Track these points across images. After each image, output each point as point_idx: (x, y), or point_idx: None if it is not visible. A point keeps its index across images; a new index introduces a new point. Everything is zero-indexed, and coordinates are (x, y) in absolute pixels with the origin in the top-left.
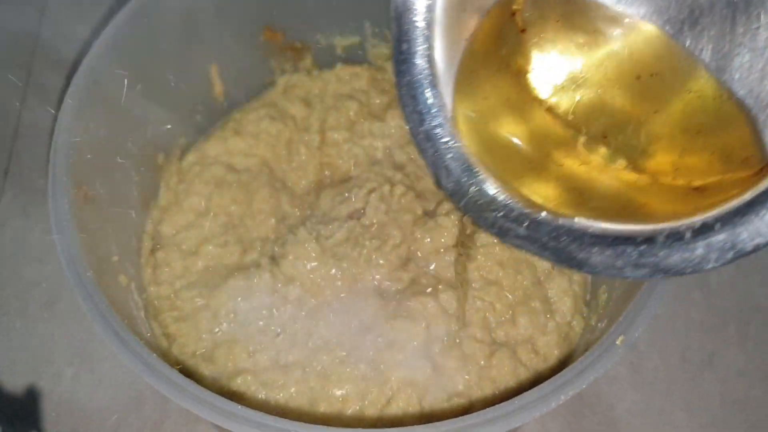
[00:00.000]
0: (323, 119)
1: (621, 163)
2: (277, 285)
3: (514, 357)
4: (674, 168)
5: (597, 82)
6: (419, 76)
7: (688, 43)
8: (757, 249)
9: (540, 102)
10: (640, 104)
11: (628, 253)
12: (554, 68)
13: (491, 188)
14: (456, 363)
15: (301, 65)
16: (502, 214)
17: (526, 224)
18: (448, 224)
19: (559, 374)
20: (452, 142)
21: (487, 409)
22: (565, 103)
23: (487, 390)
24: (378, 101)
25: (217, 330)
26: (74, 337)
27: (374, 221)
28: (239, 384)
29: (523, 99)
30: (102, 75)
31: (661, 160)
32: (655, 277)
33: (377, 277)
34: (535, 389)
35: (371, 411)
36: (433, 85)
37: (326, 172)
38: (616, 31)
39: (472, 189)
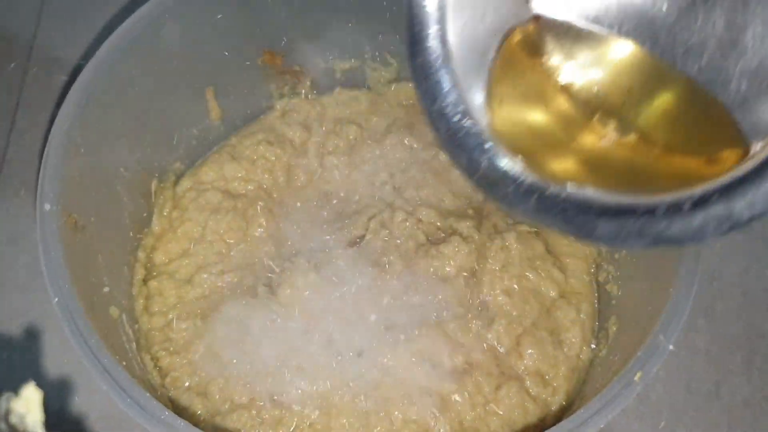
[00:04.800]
0: (322, 144)
1: (632, 136)
2: (275, 315)
3: (522, 389)
4: (682, 141)
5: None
6: (431, 57)
7: (700, 18)
8: (751, 220)
9: (555, 80)
10: (647, 84)
11: (631, 223)
12: (571, 52)
13: (502, 163)
14: (462, 397)
15: (299, 89)
16: (512, 188)
17: (535, 198)
18: (451, 252)
19: (577, 412)
20: (464, 119)
21: None
22: (579, 81)
23: (494, 425)
24: (378, 125)
25: (211, 363)
26: (62, 368)
27: (375, 248)
28: (235, 420)
29: (538, 77)
30: (94, 98)
31: (668, 134)
32: (656, 246)
33: (379, 306)
34: (559, 426)
35: None
36: (446, 65)
37: (325, 198)
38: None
39: (484, 164)
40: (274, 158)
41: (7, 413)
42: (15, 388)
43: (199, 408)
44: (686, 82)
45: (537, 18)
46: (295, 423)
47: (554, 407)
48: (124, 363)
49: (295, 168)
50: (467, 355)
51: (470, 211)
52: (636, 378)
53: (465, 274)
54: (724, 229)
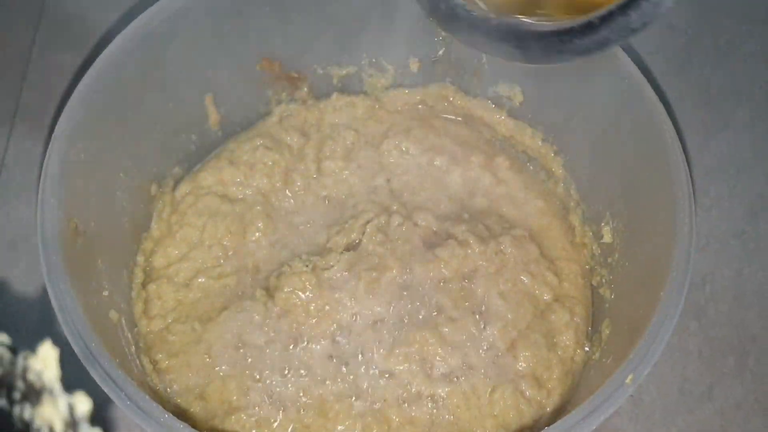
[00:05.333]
0: (319, 149)
1: None
2: (272, 318)
3: (516, 391)
4: None
5: None
6: None
7: None
8: (644, 26)
9: None
10: None
11: (555, 42)
12: None
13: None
14: (458, 399)
15: (297, 95)
16: (466, 23)
17: (484, 28)
18: (447, 255)
19: (570, 414)
20: None
21: None
22: None
23: (489, 427)
24: (374, 130)
25: (209, 366)
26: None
27: (371, 252)
28: (233, 423)
29: None
30: (94, 104)
31: None
32: (573, 59)
33: (375, 309)
34: (552, 428)
35: None
36: None
37: (322, 203)
38: None
39: (444, 5)
40: (272, 163)
41: (25, 371)
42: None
43: (197, 410)
44: None
45: None
46: (292, 426)
47: (549, 409)
48: (124, 366)
49: (292, 173)
50: (463, 357)
51: (466, 216)
52: (627, 380)
53: (461, 277)
54: (624, 36)
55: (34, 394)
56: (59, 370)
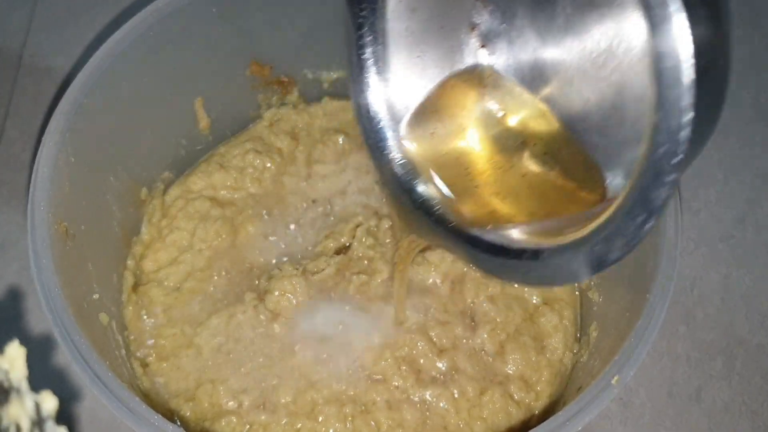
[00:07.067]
0: (309, 153)
1: (533, 167)
2: (262, 321)
3: (506, 394)
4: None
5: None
6: (370, 98)
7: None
8: (594, 271)
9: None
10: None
11: (505, 261)
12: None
13: (426, 199)
14: (447, 402)
15: (287, 99)
16: (431, 220)
17: (444, 230)
18: (437, 259)
19: (556, 415)
20: (394, 154)
21: None
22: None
23: (479, 430)
24: None
25: (200, 369)
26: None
27: (361, 255)
28: (223, 426)
29: (461, 111)
30: (84, 108)
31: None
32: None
33: (365, 313)
34: (538, 429)
35: None
36: (385, 103)
37: (312, 206)
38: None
39: (405, 199)
40: (262, 167)
41: None
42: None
43: (187, 413)
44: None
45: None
46: (282, 429)
47: (538, 411)
48: (114, 368)
49: (283, 176)
50: (452, 360)
51: None
52: (613, 381)
53: (450, 281)
54: (567, 279)
55: (2, 393)
56: (26, 370)
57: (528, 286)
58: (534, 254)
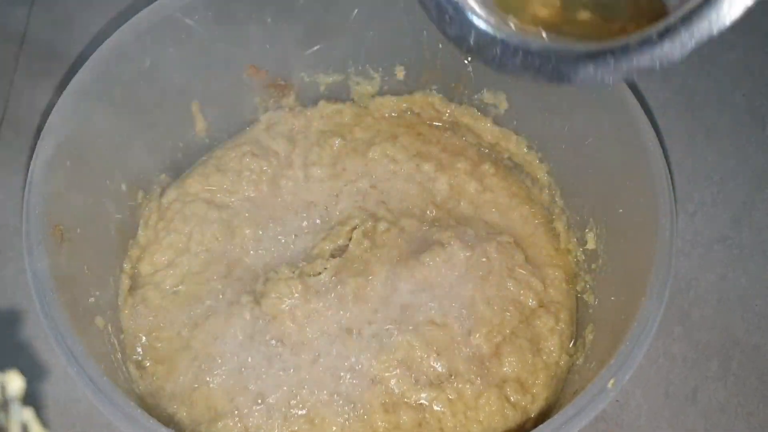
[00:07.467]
0: (306, 155)
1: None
2: (259, 324)
3: (502, 396)
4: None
5: None
6: None
7: None
8: (711, 36)
9: None
10: None
11: (607, 61)
12: None
13: (490, 30)
14: (443, 404)
15: (284, 102)
16: (500, 49)
17: (521, 54)
18: (433, 261)
19: (552, 419)
20: None
21: None
22: None
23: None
24: (361, 137)
25: (196, 372)
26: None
27: (358, 258)
28: (220, 429)
29: None
30: (81, 110)
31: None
32: (630, 76)
33: (361, 315)
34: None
35: None
36: None
37: (309, 209)
38: None
39: (473, 34)
40: (259, 170)
41: None
42: None
43: (183, 417)
44: None
45: None
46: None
47: (534, 414)
48: (110, 372)
49: (279, 179)
50: (448, 363)
51: (452, 222)
52: (609, 384)
53: (447, 283)
54: (688, 47)
55: None
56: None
57: (643, 73)
58: (644, 39)
